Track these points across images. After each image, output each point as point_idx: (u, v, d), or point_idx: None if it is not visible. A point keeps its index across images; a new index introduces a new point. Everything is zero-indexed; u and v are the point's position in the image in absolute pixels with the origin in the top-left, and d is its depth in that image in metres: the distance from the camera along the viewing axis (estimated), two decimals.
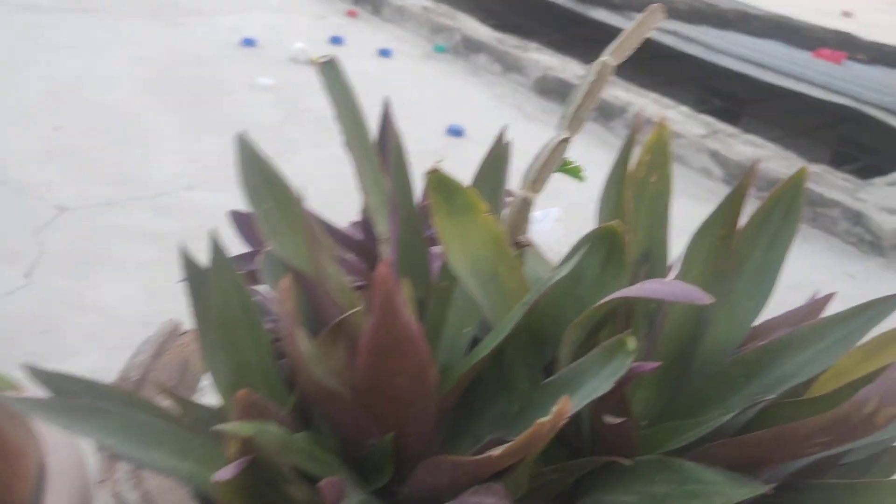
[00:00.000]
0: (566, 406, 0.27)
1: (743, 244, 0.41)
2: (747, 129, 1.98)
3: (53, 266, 1.14)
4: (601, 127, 1.98)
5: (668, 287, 0.31)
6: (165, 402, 0.47)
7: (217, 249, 0.39)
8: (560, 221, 0.63)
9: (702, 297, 0.30)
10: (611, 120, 1.99)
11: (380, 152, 0.49)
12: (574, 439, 0.40)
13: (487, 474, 0.33)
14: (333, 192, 1.31)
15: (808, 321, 0.40)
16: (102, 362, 0.95)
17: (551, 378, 0.36)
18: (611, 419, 0.33)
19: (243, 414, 0.31)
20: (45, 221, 1.24)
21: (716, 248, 0.41)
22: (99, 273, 1.14)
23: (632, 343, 0.31)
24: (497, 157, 0.44)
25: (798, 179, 0.40)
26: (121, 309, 1.06)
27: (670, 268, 0.44)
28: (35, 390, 0.44)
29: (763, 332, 0.43)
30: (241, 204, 0.52)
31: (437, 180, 0.38)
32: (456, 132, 1.81)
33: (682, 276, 0.40)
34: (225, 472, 0.30)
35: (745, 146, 1.87)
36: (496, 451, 0.29)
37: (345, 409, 0.34)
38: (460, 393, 0.39)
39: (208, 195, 1.41)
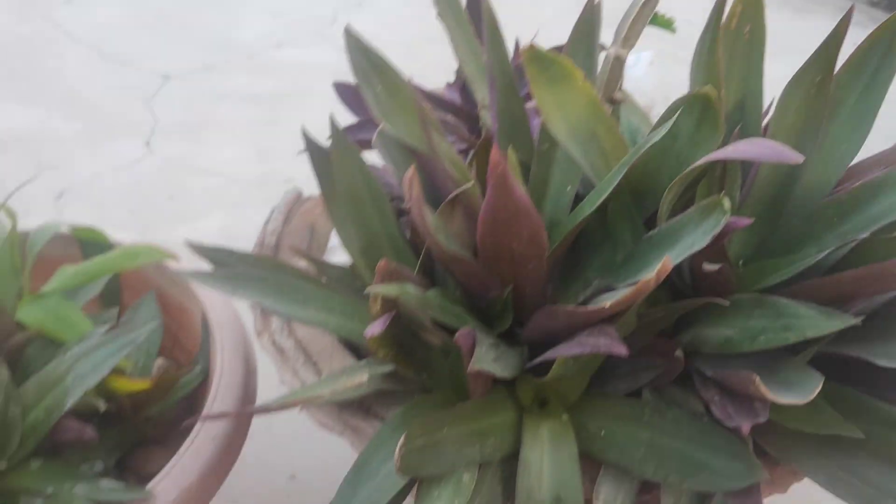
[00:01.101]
0: (668, 263, 0.31)
1: (839, 88, 0.42)
2: None
3: (168, 133, 1.21)
4: None
5: (757, 147, 0.33)
6: (301, 264, 0.54)
7: (337, 130, 0.43)
8: (653, 65, 0.64)
9: (792, 156, 0.32)
10: None
11: (472, 20, 0.51)
12: (677, 282, 0.44)
13: (599, 319, 0.37)
14: (415, 40, 1.32)
15: None
16: (228, 221, 1.04)
17: (652, 232, 0.39)
18: (709, 267, 0.37)
19: (384, 279, 0.36)
20: (153, 91, 1.31)
21: (811, 96, 0.42)
22: (210, 137, 1.21)
23: (727, 203, 0.34)
24: (589, 21, 0.45)
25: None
26: (235, 170, 1.14)
27: (765, 115, 0.46)
28: (184, 253, 0.51)
29: (858, 173, 0.44)
30: (329, 58, 0.55)
31: (533, 56, 0.40)
32: None
33: (775, 125, 0.42)
34: (375, 328, 0.36)
35: None
36: (607, 303, 0.33)
37: (468, 270, 0.39)
38: (567, 246, 0.43)
39: (297, 52, 1.44)
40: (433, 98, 0.60)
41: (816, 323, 0.35)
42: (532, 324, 0.40)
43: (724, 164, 0.39)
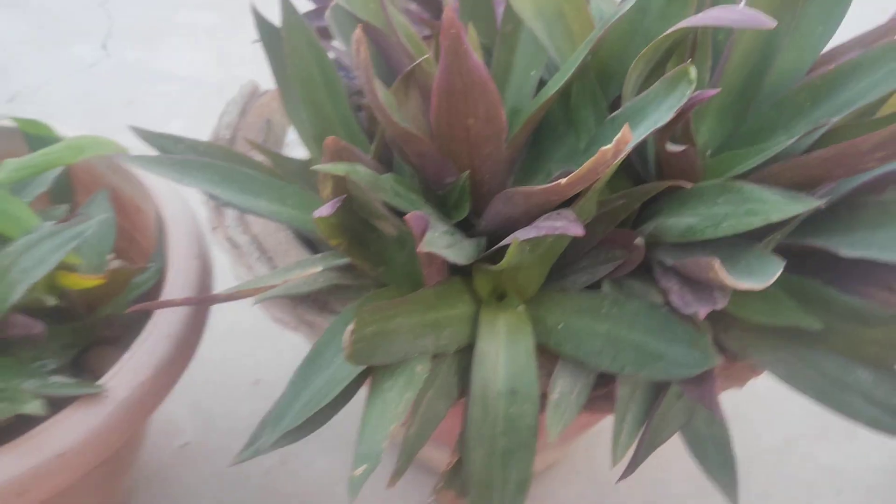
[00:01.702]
0: (627, 134, 0.29)
1: None
2: None
3: (125, 37, 1.16)
4: None
5: (731, 13, 0.31)
6: (258, 157, 0.52)
7: (288, 7, 0.40)
8: None
9: (766, 21, 0.30)
10: None
11: None
12: (640, 170, 0.43)
13: (557, 203, 0.36)
14: None
15: (882, 41, 0.39)
16: (190, 126, 1.00)
17: (615, 113, 0.37)
18: (673, 147, 0.35)
19: (333, 158, 0.34)
20: None
21: None
22: (169, 42, 1.16)
23: (693, 72, 0.32)
24: None
25: None
26: (196, 75, 1.10)
27: None
28: (140, 152, 0.49)
29: (834, 57, 0.43)
30: None
31: None
32: None
33: (750, 2, 0.40)
34: (324, 210, 0.34)
35: None
36: (563, 180, 0.32)
37: (423, 152, 0.37)
38: (529, 134, 0.41)
39: None
40: None
41: (780, 206, 0.34)
42: (489, 211, 0.39)
43: (695, 42, 0.37)
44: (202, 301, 0.44)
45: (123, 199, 0.61)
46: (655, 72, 0.38)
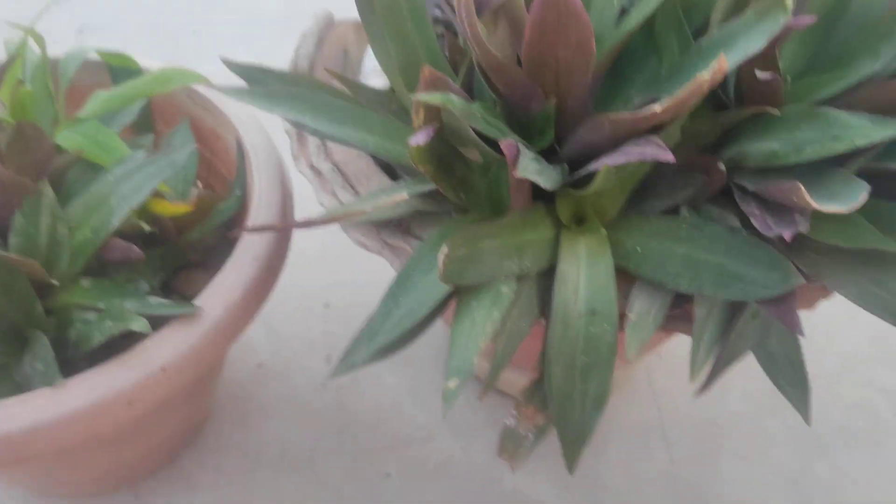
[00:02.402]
0: (724, 63, 0.30)
1: None
2: None
3: None
4: None
5: None
6: (337, 86, 0.53)
7: None
8: None
9: None
10: None
11: None
12: (721, 96, 0.43)
13: (643, 130, 0.37)
14: None
15: None
16: (256, 56, 1.01)
17: (702, 39, 0.38)
18: (763, 74, 0.36)
19: (428, 87, 0.36)
20: None
21: None
22: None
23: (790, 1, 0.33)
24: None
25: None
26: (261, 6, 1.10)
27: None
28: (218, 83, 0.50)
29: None
30: None
31: None
32: None
33: None
34: (420, 137, 0.35)
35: None
36: (658, 107, 0.32)
37: (514, 80, 0.38)
38: (611, 62, 0.42)
39: None
40: None
41: (866, 131, 0.35)
42: (574, 138, 0.40)
43: None
44: (292, 226, 0.46)
45: (203, 128, 0.63)
46: (740, 3, 0.38)
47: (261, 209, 0.53)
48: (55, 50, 0.61)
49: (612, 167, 0.36)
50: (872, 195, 0.40)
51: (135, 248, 0.49)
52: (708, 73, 0.30)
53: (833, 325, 0.74)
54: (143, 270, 0.54)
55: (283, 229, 0.50)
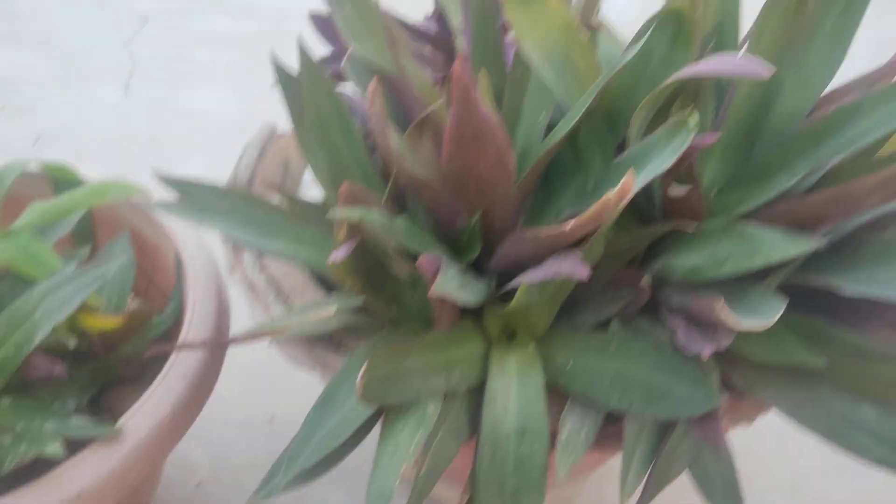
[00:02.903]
0: (630, 181, 0.30)
1: (816, 10, 0.41)
2: None
3: (147, 77, 1.19)
4: None
5: (728, 63, 0.32)
6: (275, 199, 0.53)
7: (305, 56, 0.42)
8: (633, 1, 0.63)
9: (763, 69, 0.31)
10: None
11: None
12: (646, 210, 0.44)
13: (565, 245, 0.37)
14: None
15: (882, 84, 0.40)
16: (210, 163, 1.02)
17: (621, 156, 0.38)
18: (677, 190, 0.36)
19: (348, 203, 0.36)
20: (132, 33, 1.28)
21: (788, 17, 0.41)
22: (190, 80, 1.19)
23: (693, 120, 0.33)
24: None
25: None
26: (216, 114, 1.12)
27: (743, 41, 0.45)
28: (160, 194, 0.50)
29: (835, 98, 0.43)
30: (314, 3, 0.54)
31: None
32: None
33: (751, 47, 0.41)
34: (338, 254, 0.35)
35: None
36: (568, 225, 0.32)
37: (435, 195, 0.38)
38: (538, 174, 0.42)
39: None
40: (411, 29, 0.59)
41: (781, 246, 0.35)
42: (500, 252, 0.40)
43: (698, 87, 0.38)
44: (220, 343, 0.45)
45: (143, 239, 0.62)
46: (661, 114, 0.39)
47: (193, 324, 0.52)
48: (8, 158, 0.60)
49: (534, 283, 0.35)
50: (800, 309, 0.41)
51: (58, 365, 0.47)
52: (614, 193, 0.30)
53: (784, 436, 0.73)
54: (69, 387, 0.52)
55: (210, 346, 0.49)
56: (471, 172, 0.36)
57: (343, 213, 0.34)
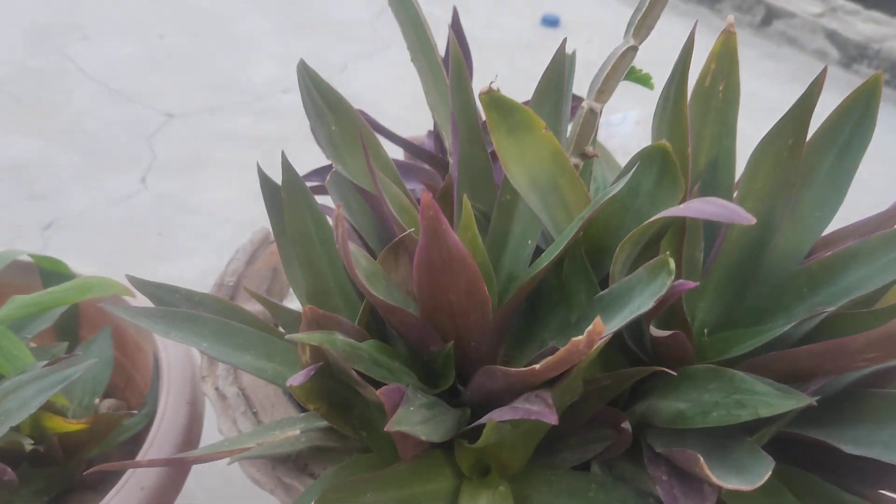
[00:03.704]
0: (599, 326, 0.29)
1: (812, 153, 0.40)
2: (869, 6, 1.83)
3: (165, 171, 1.21)
4: (707, 9, 1.88)
5: (712, 206, 0.31)
6: (257, 307, 0.52)
7: (288, 168, 0.41)
8: (640, 124, 0.62)
9: (744, 216, 0.30)
10: (718, 1, 1.88)
11: (446, 65, 0.49)
12: (636, 348, 0.41)
13: (538, 382, 0.34)
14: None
15: (881, 230, 0.39)
16: (213, 261, 1.02)
17: (603, 293, 0.37)
18: (658, 332, 0.34)
19: (311, 326, 0.34)
20: (156, 128, 1.31)
21: (782, 159, 0.40)
22: (206, 177, 1.21)
23: (671, 264, 0.32)
24: (558, 71, 0.44)
25: (872, 84, 0.38)
26: (227, 211, 1.13)
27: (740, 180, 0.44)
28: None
29: (833, 242, 0.42)
30: None
31: (493, 100, 0.38)
32: (551, 22, 1.76)
33: (744, 188, 0.40)
34: (297, 378, 0.33)
35: (867, 24, 1.73)
36: (537, 366, 0.31)
37: (406, 322, 0.36)
38: (520, 302, 0.41)
39: None
40: (411, 146, 0.59)
41: (770, 400, 0.32)
42: (473, 384, 0.38)
43: (683, 225, 0.37)
44: (170, 463, 0.42)
45: (125, 337, 0.61)
46: (647, 251, 0.38)
47: (160, 433, 0.50)
48: (18, 247, 0.60)
49: (503, 421, 0.33)
50: (795, 464, 0.38)
51: (8, 469, 0.45)
52: (583, 338, 0.29)
53: None
54: (22, 493, 0.49)
55: (161, 465, 0.46)
56: (442, 299, 0.34)
57: (302, 338, 0.33)
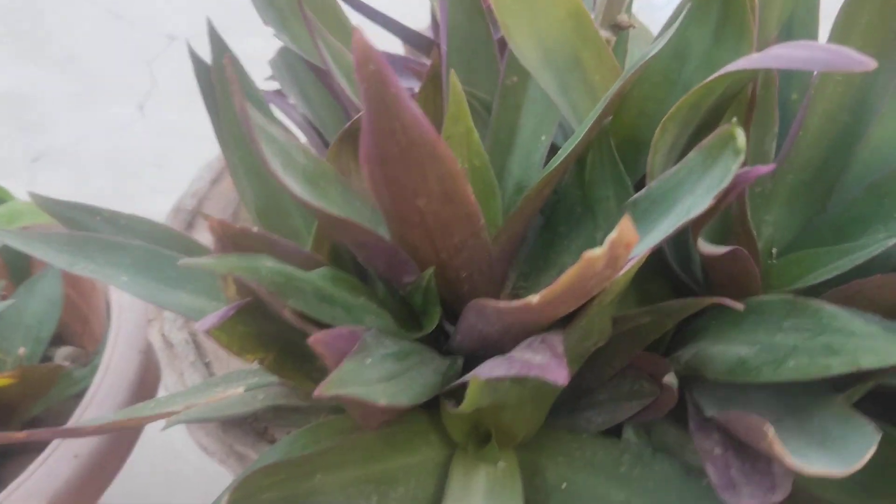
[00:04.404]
0: (627, 235, 0.18)
1: None
2: None
3: (163, 99, 1.12)
4: None
5: (806, 50, 0.20)
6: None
7: (217, 42, 0.31)
8: None
9: (861, 61, 0.19)
10: None
11: None
12: (682, 272, 0.31)
13: (545, 321, 0.25)
14: None
15: None
16: None
17: (638, 195, 0.26)
18: (710, 249, 0.24)
19: (225, 247, 0.25)
20: (157, 52, 1.22)
21: (889, 9, 0.28)
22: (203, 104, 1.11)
23: (741, 136, 0.21)
24: None
25: None
26: None
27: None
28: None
29: None
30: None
31: None
32: None
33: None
34: (206, 321, 0.24)
35: None
36: (535, 298, 0.21)
37: (367, 241, 0.26)
38: (528, 219, 0.31)
39: None
40: (408, 32, 0.48)
41: (878, 347, 0.22)
42: (463, 326, 0.28)
43: (753, 98, 0.26)
44: (98, 431, 0.34)
45: (81, 278, 0.52)
46: (698, 138, 0.27)
47: (102, 388, 0.42)
48: (4, 181, 0.52)
49: (492, 380, 0.24)
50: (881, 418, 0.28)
51: None
52: (603, 249, 0.18)
53: None
54: None
55: (83, 435, 0.37)
56: (408, 208, 0.24)
57: (205, 263, 0.23)
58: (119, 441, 0.40)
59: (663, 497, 0.27)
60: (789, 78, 0.33)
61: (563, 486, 0.30)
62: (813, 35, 0.31)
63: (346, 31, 0.31)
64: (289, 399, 0.35)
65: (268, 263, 0.25)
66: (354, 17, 0.44)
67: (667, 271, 0.32)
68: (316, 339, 0.22)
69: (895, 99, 0.30)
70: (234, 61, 0.31)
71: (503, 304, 0.23)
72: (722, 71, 0.23)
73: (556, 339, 0.23)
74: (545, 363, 0.21)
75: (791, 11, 0.31)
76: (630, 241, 0.18)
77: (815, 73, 0.30)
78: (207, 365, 0.38)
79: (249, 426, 0.35)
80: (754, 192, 0.31)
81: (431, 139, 0.21)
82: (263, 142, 0.23)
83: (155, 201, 0.88)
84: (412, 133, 0.21)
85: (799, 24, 0.31)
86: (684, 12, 0.26)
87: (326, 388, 0.21)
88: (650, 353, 0.30)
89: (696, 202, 0.22)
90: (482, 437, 0.31)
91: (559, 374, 0.21)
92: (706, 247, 0.24)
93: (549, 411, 0.31)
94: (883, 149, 0.31)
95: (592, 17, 0.36)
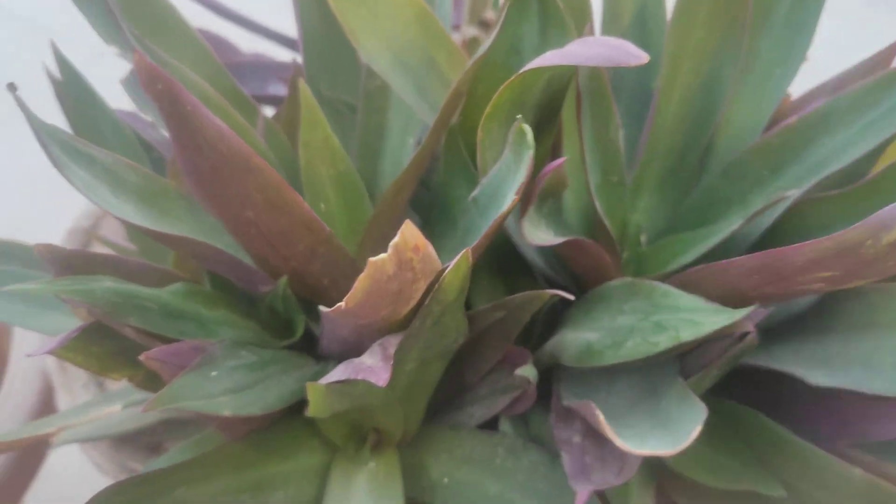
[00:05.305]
0: (413, 235, 0.18)
1: None
2: None
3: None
4: None
5: (590, 48, 0.21)
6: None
7: (64, 63, 0.31)
8: None
9: (637, 55, 0.19)
10: None
11: None
12: (548, 268, 0.32)
13: (385, 325, 0.25)
14: None
15: (857, 84, 0.28)
16: None
17: (475, 193, 0.27)
18: (543, 240, 0.24)
19: (64, 269, 0.25)
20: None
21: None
22: None
23: (529, 133, 0.21)
24: None
25: None
26: None
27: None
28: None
29: (798, 107, 0.32)
30: None
31: None
32: None
33: (676, 42, 0.29)
34: (48, 344, 0.24)
35: None
36: (343, 302, 0.21)
37: (211, 255, 0.26)
38: (389, 220, 0.31)
39: None
40: (286, 41, 0.48)
41: (696, 318, 0.23)
42: (324, 332, 0.28)
43: (578, 92, 0.26)
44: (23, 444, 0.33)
45: None
46: (541, 135, 0.28)
47: (4, 410, 0.41)
48: None
49: (336, 385, 0.24)
50: (744, 399, 0.28)
51: None
52: (388, 255, 0.19)
53: None
54: None
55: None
56: (241, 221, 0.24)
57: (30, 289, 0.23)
58: (21, 463, 0.40)
59: (531, 486, 0.28)
60: (649, 68, 0.33)
61: (445, 481, 0.30)
62: (662, 23, 0.32)
63: (193, 45, 0.31)
64: (178, 412, 0.35)
65: (106, 284, 0.25)
66: (223, 26, 0.43)
67: (532, 267, 0.32)
68: (147, 355, 0.22)
69: (742, 84, 0.31)
70: (79, 81, 0.31)
71: (332, 309, 0.23)
72: (522, 70, 0.23)
73: (393, 342, 0.24)
74: (373, 366, 0.22)
75: (642, 4, 0.32)
76: (418, 244, 0.19)
77: (665, 62, 0.31)
78: (101, 385, 0.38)
79: (144, 441, 0.35)
80: (624, 188, 0.31)
81: (243, 151, 0.21)
82: (75, 167, 0.23)
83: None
84: (220, 147, 0.21)
85: (650, 16, 0.32)
86: (504, 12, 0.27)
87: (155, 404, 0.21)
88: (517, 346, 0.30)
89: (509, 196, 0.22)
90: (363, 439, 0.31)
91: (382, 377, 0.21)
92: (535, 238, 0.24)
93: (434, 408, 0.32)
94: (736, 131, 0.32)
95: (459, 17, 0.36)
